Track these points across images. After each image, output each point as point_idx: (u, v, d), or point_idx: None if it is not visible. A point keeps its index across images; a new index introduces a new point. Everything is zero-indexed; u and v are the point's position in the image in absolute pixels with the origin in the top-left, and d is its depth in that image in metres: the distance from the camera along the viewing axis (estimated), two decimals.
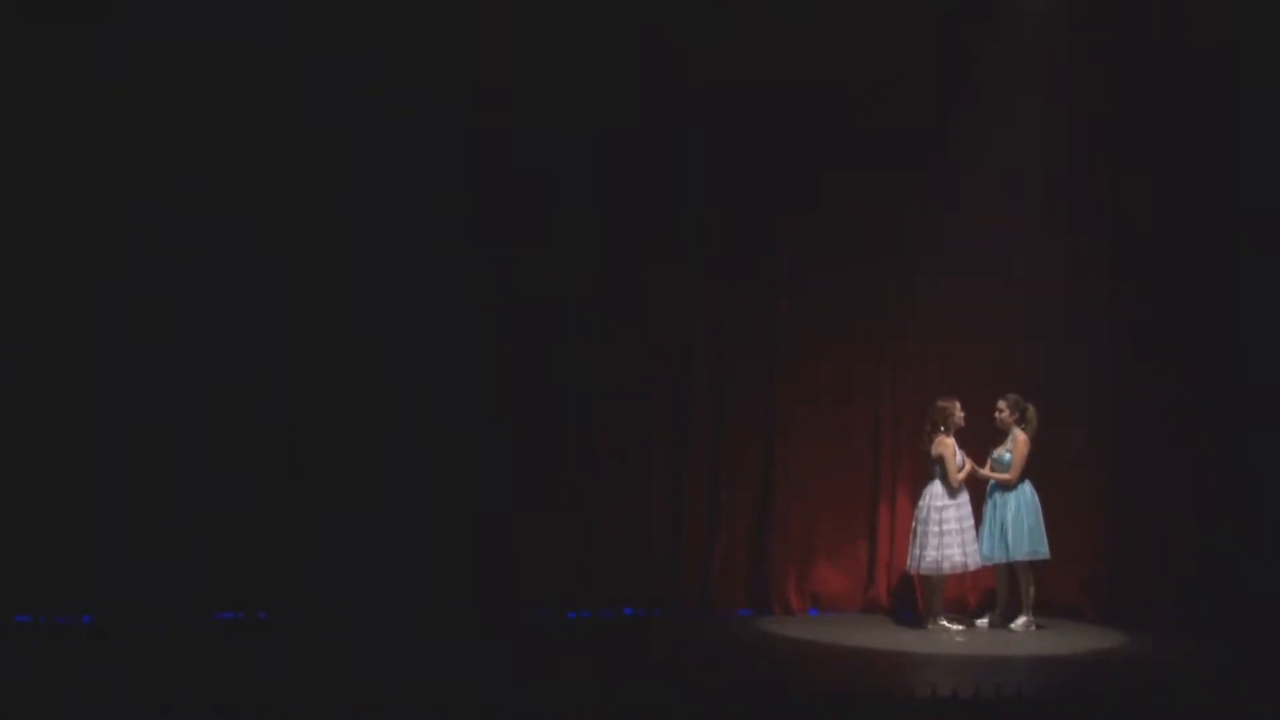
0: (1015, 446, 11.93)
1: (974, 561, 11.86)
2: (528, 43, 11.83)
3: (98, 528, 11.29)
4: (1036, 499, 11.93)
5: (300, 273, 11.63)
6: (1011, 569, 11.99)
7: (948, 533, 11.76)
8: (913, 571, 12.08)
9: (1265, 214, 12.21)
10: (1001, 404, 12.01)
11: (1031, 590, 11.92)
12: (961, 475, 11.82)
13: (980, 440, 12.08)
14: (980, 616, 12.19)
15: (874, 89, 12.36)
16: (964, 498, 11.88)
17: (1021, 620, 11.91)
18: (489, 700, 8.84)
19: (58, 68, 11.18)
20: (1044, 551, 11.89)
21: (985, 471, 12.01)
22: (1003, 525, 11.88)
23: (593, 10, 11.98)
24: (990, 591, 12.30)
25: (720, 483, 12.44)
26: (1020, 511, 11.87)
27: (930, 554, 11.76)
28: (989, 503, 11.99)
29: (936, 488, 11.84)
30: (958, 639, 11.67)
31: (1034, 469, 11.96)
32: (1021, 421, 11.97)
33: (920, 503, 11.95)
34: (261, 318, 11.58)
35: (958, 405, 11.87)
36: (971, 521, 11.88)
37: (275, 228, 11.60)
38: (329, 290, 11.68)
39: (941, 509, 11.79)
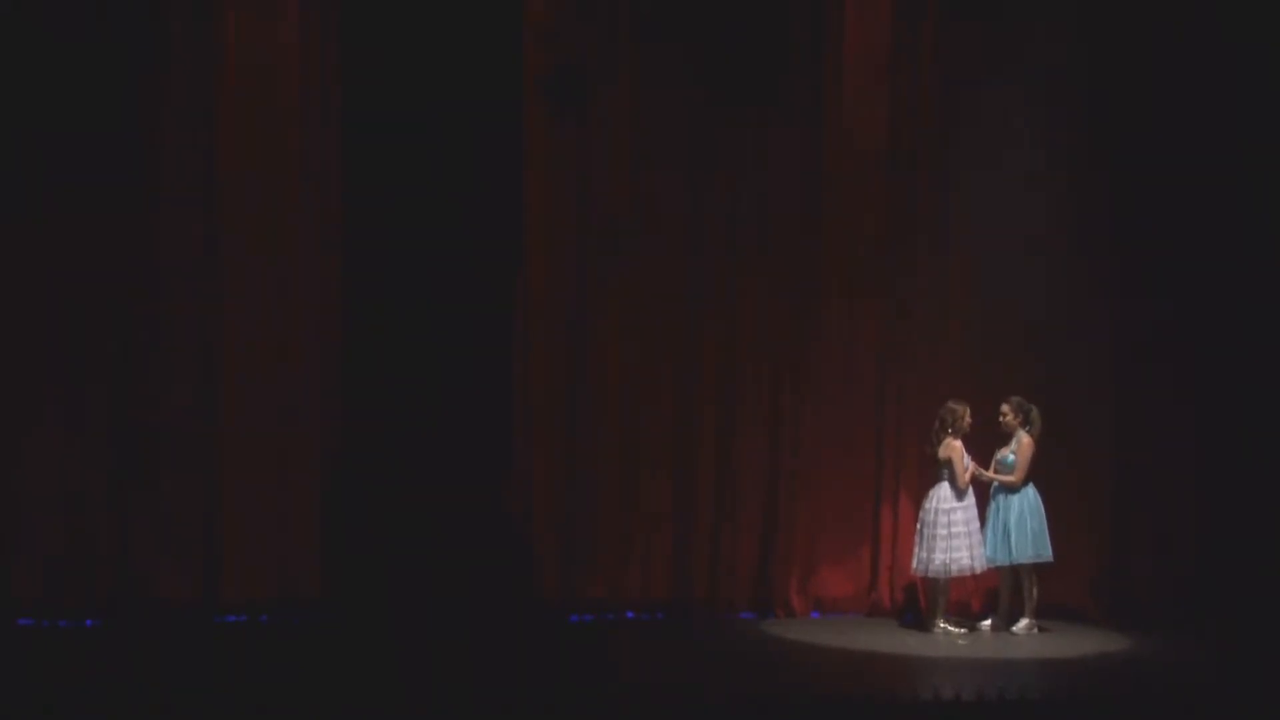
0: (1020, 449, 11.89)
1: (980, 564, 11.84)
2: None
3: (101, 532, 11.29)
4: (1040, 502, 11.90)
5: (299, 270, 11.63)
6: (1015, 571, 11.96)
7: (955, 535, 11.74)
8: (919, 574, 12.07)
9: (1267, 213, 12.20)
10: (1005, 406, 11.97)
11: (1035, 593, 11.91)
12: (965, 477, 11.82)
13: (983, 442, 12.06)
14: (984, 619, 12.19)
15: (876, 90, 12.39)
16: (970, 499, 11.86)
17: (1023, 623, 11.90)
18: (491, 703, 8.84)
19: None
20: (1047, 555, 11.87)
21: (989, 474, 11.99)
22: (1006, 528, 11.86)
23: None
24: (994, 594, 12.30)
25: (724, 485, 12.42)
26: (1024, 514, 11.84)
27: (938, 557, 11.74)
28: (992, 505, 11.96)
29: (944, 490, 11.82)
30: (960, 642, 11.67)
31: (1036, 470, 11.95)
32: (1026, 424, 11.94)
33: (926, 505, 11.93)
34: (259, 315, 11.58)
35: (968, 409, 11.83)
36: (978, 524, 11.86)
37: (269, 224, 11.63)
38: (331, 289, 11.68)
39: (949, 511, 11.77)
